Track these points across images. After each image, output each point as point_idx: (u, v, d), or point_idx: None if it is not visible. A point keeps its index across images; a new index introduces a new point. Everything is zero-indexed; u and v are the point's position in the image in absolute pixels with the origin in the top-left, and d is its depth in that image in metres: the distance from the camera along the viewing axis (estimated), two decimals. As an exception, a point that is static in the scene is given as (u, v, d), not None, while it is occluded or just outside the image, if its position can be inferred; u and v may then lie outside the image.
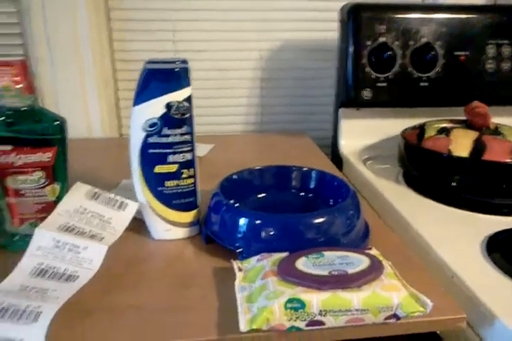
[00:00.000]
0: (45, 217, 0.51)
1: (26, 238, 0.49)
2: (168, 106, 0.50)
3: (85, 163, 0.80)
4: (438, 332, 0.44)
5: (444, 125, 0.75)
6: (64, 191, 0.53)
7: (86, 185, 0.54)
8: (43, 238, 0.48)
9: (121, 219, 0.52)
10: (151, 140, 0.51)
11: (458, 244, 0.56)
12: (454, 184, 0.67)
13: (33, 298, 0.42)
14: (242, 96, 1.00)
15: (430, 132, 0.73)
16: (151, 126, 0.50)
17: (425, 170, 0.71)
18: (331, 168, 0.78)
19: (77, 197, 0.53)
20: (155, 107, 0.50)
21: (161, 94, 0.49)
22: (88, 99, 0.95)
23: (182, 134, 0.51)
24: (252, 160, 0.82)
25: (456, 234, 0.59)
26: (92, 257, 0.47)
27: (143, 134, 0.51)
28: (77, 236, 0.49)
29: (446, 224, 0.61)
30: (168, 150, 0.52)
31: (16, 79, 0.48)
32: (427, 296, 0.42)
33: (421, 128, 0.75)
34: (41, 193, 0.52)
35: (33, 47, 0.90)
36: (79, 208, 0.52)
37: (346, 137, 0.87)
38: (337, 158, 0.89)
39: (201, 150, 0.86)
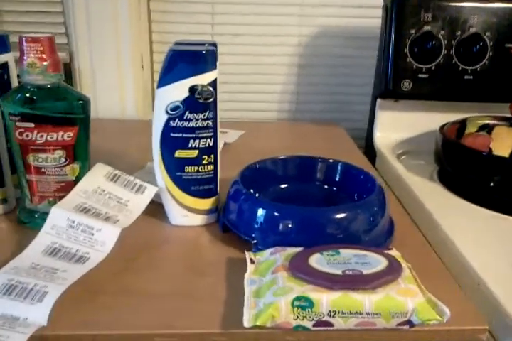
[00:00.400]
0: (63, 196, 0.51)
1: (45, 216, 0.49)
2: (192, 89, 0.48)
3: (115, 143, 0.80)
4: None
5: (486, 121, 0.70)
6: (84, 171, 0.53)
7: (106, 166, 0.54)
8: (58, 217, 0.48)
9: (138, 203, 0.52)
10: (172, 123, 0.50)
11: (489, 249, 0.53)
12: (491, 185, 0.63)
13: (42, 277, 0.42)
14: (278, 82, 0.98)
15: (471, 128, 0.69)
16: (174, 109, 0.49)
17: (462, 168, 0.67)
18: (362, 162, 0.75)
19: (97, 178, 0.52)
20: (178, 90, 0.49)
21: (185, 77, 0.48)
22: (124, 80, 0.95)
23: (204, 119, 0.50)
24: (280, 149, 0.79)
25: (488, 239, 0.55)
26: (104, 239, 0.47)
27: (165, 117, 0.50)
28: (92, 217, 0.48)
29: (479, 227, 0.58)
30: (189, 135, 0.50)
31: (42, 56, 0.47)
32: (448, 303, 0.39)
33: (461, 124, 0.70)
34: (61, 172, 0.52)
35: (74, 26, 0.91)
36: (97, 189, 0.52)
37: (382, 130, 0.84)
38: (371, 152, 0.85)
39: (230, 136, 0.84)
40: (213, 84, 0.49)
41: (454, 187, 0.67)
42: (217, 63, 0.50)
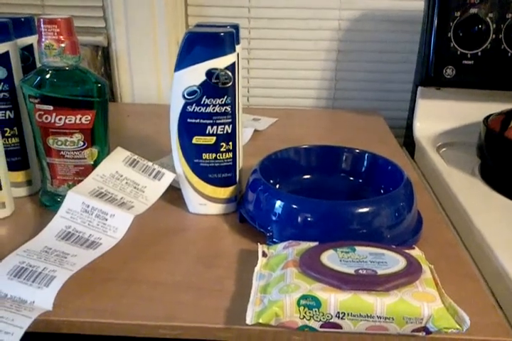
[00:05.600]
0: (82, 180, 0.50)
1: (65, 199, 0.49)
2: (209, 73, 0.46)
3: (148, 128, 0.80)
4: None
5: (535, 113, 0.65)
6: (103, 155, 0.52)
7: (125, 151, 0.53)
8: (74, 201, 0.47)
9: (155, 189, 0.51)
10: (190, 109, 0.48)
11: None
12: (537, 182, 0.58)
13: (52, 261, 0.42)
14: (315, 68, 0.94)
15: (517, 120, 0.63)
16: (190, 94, 0.47)
17: (505, 163, 0.62)
18: (398, 154, 0.71)
19: (115, 163, 0.51)
20: (195, 74, 0.47)
21: (202, 60, 0.46)
22: (160, 65, 0.95)
23: (222, 105, 0.48)
24: (312, 138, 0.77)
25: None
26: (117, 225, 0.46)
27: (182, 102, 0.48)
28: (106, 202, 0.47)
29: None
30: (207, 121, 0.48)
31: (60, 37, 0.46)
32: (472, 310, 0.36)
33: (507, 115, 0.65)
34: (80, 156, 0.51)
35: (112, 10, 0.91)
36: (115, 174, 0.51)
37: (422, 120, 0.79)
38: (411, 143, 0.81)
39: (262, 124, 0.82)
40: (232, 68, 0.47)
41: (496, 183, 0.63)
42: (238, 46, 0.47)
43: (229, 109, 0.48)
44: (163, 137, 0.72)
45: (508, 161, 0.62)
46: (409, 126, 0.82)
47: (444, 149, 0.75)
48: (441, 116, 0.78)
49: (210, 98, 0.47)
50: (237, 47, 0.48)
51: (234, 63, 0.47)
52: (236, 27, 0.49)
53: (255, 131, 0.78)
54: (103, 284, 0.42)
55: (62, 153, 0.51)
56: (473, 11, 0.68)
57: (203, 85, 0.47)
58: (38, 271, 0.41)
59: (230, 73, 0.47)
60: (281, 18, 0.91)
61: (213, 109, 0.48)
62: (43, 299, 0.39)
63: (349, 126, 0.85)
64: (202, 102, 0.47)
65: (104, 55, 0.95)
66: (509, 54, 0.70)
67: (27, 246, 0.45)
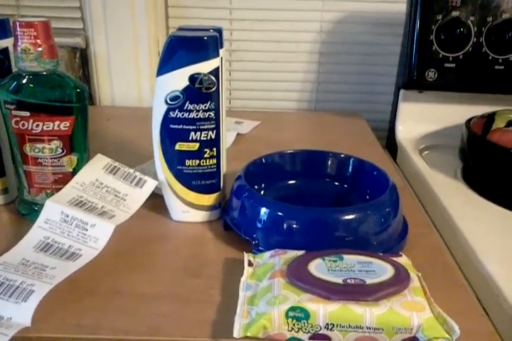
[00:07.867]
0: (61, 188, 0.49)
1: (43, 208, 0.47)
2: (192, 78, 0.45)
3: (129, 132, 0.79)
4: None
5: (517, 116, 0.65)
6: (82, 163, 0.51)
7: (106, 158, 0.51)
8: (52, 211, 0.46)
9: (136, 197, 0.49)
10: (172, 114, 0.47)
11: (512, 258, 0.49)
12: (519, 185, 0.59)
13: (30, 274, 0.41)
14: (298, 70, 0.94)
15: (499, 123, 0.64)
16: (173, 99, 0.46)
17: (487, 166, 0.62)
18: (381, 157, 0.71)
19: (95, 170, 0.50)
20: (178, 79, 0.46)
21: (185, 65, 0.45)
22: (140, 67, 0.93)
23: (206, 110, 0.47)
24: (296, 141, 0.77)
25: (512, 245, 0.51)
26: (98, 236, 0.45)
27: (164, 107, 0.47)
28: (86, 211, 0.46)
29: (503, 233, 0.53)
30: (190, 127, 0.47)
31: (37, 41, 0.45)
32: (460, 317, 0.35)
33: (489, 118, 0.65)
34: (58, 163, 0.50)
35: (90, 11, 0.89)
36: (95, 182, 0.49)
37: (405, 122, 0.79)
38: (393, 145, 0.81)
39: (245, 127, 0.81)
40: (215, 72, 0.46)
41: (479, 186, 0.63)
42: (221, 50, 0.46)
43: (213, 115, 0.47)
44: (144, 141, 0.70)
45: (490, 164, 0.62)
46: (392, 128, 0.82)
47: (426, 152, 0.75)
48: (424, 118, 0.78)
49: (193, 103, 0.46)
50: (221, 51, 0.47)
51: (218, 68, 0.46)
52: (219, 30, 0.48)
53: (238, 134, 0.77)
54: (84, 297, 0.41)
55: (39, 160, 0.49)
56: (454, 14, 0.68)
57: (186, 90, 0.46)
58: (15, 285, 0.39)
59: (213, 78, 0.46)
60: (262, 20, 0.90)
61: (197, 115, 0.47)
62: (20, 315, 0.37)
63: (331, 128, 0.85)
64: (185, 108, 0.46)
65: (82, 57, 0.93)
66: (490, 57, 0.70)
67: (3, 259, 0.43)
